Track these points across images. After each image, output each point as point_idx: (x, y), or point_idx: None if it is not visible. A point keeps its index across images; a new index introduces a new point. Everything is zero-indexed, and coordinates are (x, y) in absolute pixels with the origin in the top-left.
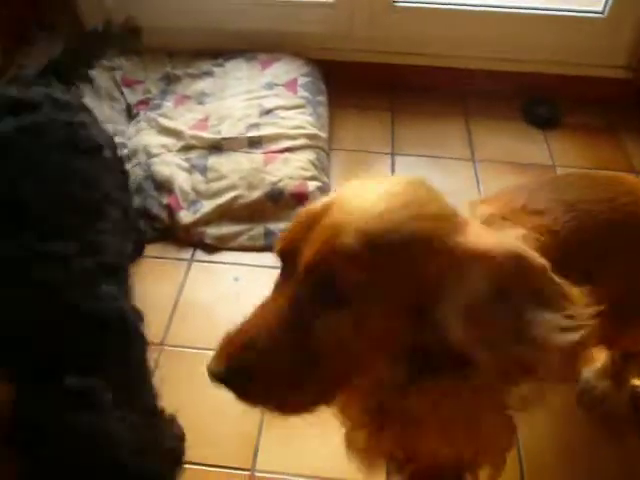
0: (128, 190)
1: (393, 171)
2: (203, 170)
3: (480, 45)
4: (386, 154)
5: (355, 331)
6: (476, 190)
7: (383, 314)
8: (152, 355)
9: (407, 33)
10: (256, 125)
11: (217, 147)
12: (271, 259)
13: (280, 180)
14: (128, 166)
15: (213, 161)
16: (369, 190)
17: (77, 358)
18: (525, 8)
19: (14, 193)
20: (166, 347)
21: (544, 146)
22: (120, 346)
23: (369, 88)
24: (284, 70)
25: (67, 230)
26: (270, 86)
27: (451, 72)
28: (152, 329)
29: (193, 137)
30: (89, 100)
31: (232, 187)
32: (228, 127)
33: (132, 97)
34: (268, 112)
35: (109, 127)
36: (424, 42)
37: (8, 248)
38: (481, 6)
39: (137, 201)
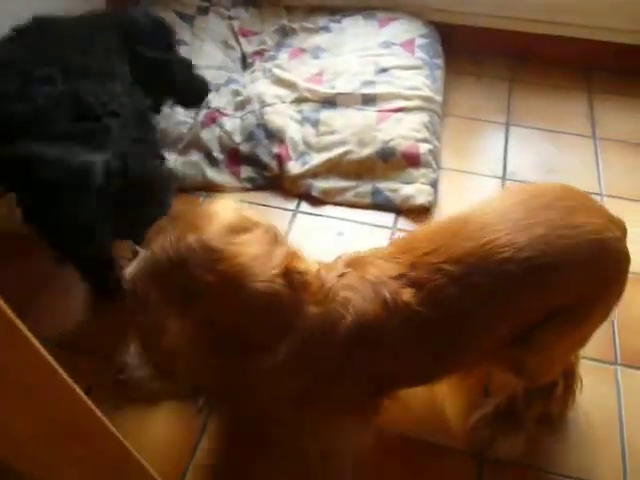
0: None
1: (507, 141)
2: (315, 123)
3: (619, 15)
4: (500, 124)
5: None
6: (594, 168)
7: None
8: None
9: None
10: (371, 82)
11: (330, 102)
12: (377, 217)
13: (392, 139)
14: (240, 114)
15: (325, 115)
16: None
17: None
18: None
19: None
20: None
21: None
22: None
23: (488, 54)
24: (402, 30)
25: None
26: (387, 45)
27: (579, 44)
28: None
29: (307, 90)
30: (207, 46)
31: (343, 142)
32: (343, 83)
33: (248, 47)
34: (384, 70)
35: (223, 73)
36: (555, 9)
37: None
38: None
39: (247, 148)
